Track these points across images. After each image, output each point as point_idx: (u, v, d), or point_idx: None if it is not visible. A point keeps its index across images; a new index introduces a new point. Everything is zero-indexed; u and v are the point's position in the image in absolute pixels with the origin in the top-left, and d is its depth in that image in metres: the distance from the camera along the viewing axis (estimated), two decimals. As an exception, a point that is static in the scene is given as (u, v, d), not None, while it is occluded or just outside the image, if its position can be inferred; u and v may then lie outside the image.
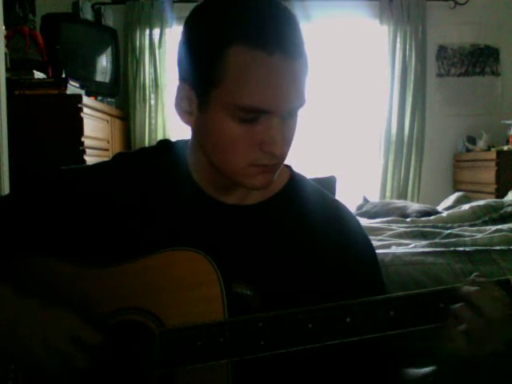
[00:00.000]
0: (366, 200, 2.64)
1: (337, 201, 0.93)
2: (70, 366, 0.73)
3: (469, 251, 1.44)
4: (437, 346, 0.71)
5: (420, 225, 1.88)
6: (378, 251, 0.97)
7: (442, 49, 4.07)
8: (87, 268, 0.82)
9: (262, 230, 0.86)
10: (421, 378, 0.79)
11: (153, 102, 3.90)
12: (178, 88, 0.79)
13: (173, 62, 3.61)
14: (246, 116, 0.72)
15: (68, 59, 3.18)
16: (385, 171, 4.00)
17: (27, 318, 0.76)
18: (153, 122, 3.90)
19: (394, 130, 3.97)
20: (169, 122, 3.88)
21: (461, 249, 1.45)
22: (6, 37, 2.69)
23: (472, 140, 3.91)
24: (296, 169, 0.95)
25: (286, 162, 0.84)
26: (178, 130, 3.81)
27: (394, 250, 1.48)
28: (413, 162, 3.98)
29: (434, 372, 0.76)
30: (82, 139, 2.70)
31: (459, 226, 1.85)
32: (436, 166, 4.09)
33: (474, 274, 0.74)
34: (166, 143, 0.94)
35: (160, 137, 3.85)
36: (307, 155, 3.87)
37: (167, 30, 3.84)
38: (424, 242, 1.56)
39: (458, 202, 2.47)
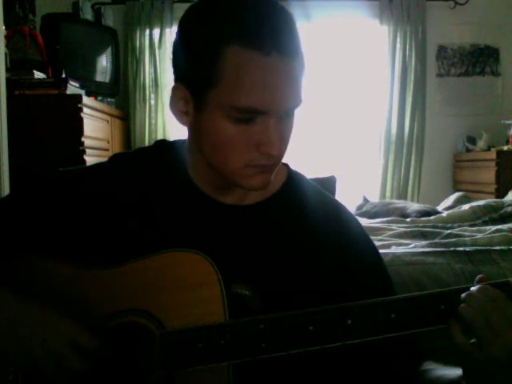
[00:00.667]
0: (365, 200, 2.64)
1: (336, 200, 0.93)
2: (67, 369, 0.73)
3: (469, 251, 1.43)
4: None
5: (420, 225, 1.87)
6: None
7: (442, 49, 4.07)
8: (86, 269, 0.81)
9: (261, 230, 0.85)
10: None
11: (153, 101, 3.90)
12: (174, 88, 0.78)
13: (173, 61, 3.61)
14: (243, 116, 0.72)
15: (68, 59, 3.17)
16: (385, 171, 4.00)
17: (27, 319, 0.76)
18: (153, 121, 3.90)
19: (394, 130, 3.97)
20: (169, 122, 3.88)
21: (461, 249, 1.45)
22: (6, 37, 2.69)
23: (472, 140, 3.91)
24: (295, 168, 0.94)
25: (285, 160, 0.84)
26: (178, 130, 3.81)
27: (393, 249, 1.48)
28: (413, 162, 3.98)
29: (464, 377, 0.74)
30: (82, 139, 2.70)
31: (459, 226, 1.85)
32: (436, 166, 4.09)
33: (478, 276, 0.74)
34: (163, 143, 0.93)
35: (160, 137, 3.85)
36: (307, 155, 3.87)
37: (167, 30, 3.84)
38: (424, 242, 1.56)
39: (458, 202, 2.47)
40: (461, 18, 3.99)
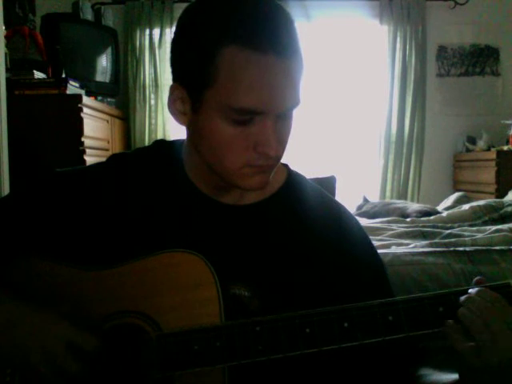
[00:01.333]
0: (365, 200, 2.64)
1: (336, 201, 0.93)
2: (65, 371, 0.73)
3: (469, 251, 1.43)
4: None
5: (420, 225, 1.87)
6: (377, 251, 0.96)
7: (442, 49, 4.07)
8: (84, 270, 0.81)
9: (259, 230, 0.85)
10: None
11: (153, 102, 3.90)
12: (172, 88, 0.78)
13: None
14: (240, 117, 0.71)
15: (68, 59, 3.17)
16: (385, 171, 4.00)
17: (25, 321, 0.75)
18: (153, 121, 3.90)
19: (393, 130, 3.97)
20: (169, 122, 3.88)
21: (461, 249, 1.44)
22: (6, 37, 2.69)
23: (472, 140, 3.91)
24: (295, 168, 0.93)
25: (285, 160, 0.83)
26: (178, 130, 3.81)
27: (393, 250, 1.48)
28: (413, 162, 3.98)
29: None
30: (82, 139, 2.70)
31: (459, 226, 1.84)
32: (436, 166, 4.09)
33: (476, 278, 0.73)
34: (162, 143, 0.93)
35: (160, 137, 3.85)
36: (307, 155, 3.87)
37: (167, 30, 3.84)
38: (424, 242, 1.56)
39: (458, 201, 2.47)
40: (461, 17, 3.99)
